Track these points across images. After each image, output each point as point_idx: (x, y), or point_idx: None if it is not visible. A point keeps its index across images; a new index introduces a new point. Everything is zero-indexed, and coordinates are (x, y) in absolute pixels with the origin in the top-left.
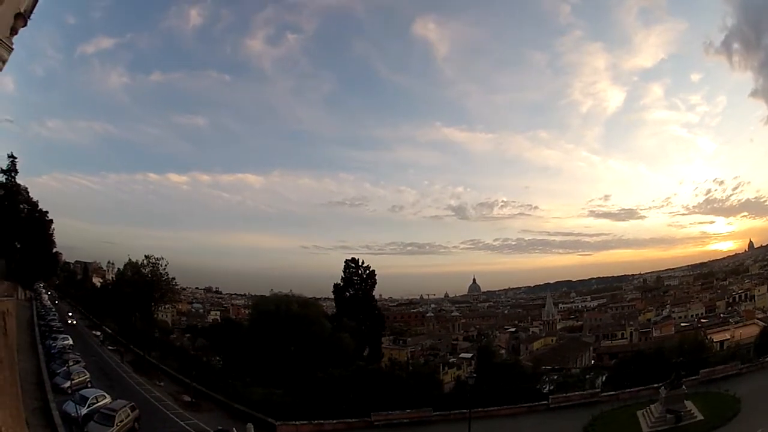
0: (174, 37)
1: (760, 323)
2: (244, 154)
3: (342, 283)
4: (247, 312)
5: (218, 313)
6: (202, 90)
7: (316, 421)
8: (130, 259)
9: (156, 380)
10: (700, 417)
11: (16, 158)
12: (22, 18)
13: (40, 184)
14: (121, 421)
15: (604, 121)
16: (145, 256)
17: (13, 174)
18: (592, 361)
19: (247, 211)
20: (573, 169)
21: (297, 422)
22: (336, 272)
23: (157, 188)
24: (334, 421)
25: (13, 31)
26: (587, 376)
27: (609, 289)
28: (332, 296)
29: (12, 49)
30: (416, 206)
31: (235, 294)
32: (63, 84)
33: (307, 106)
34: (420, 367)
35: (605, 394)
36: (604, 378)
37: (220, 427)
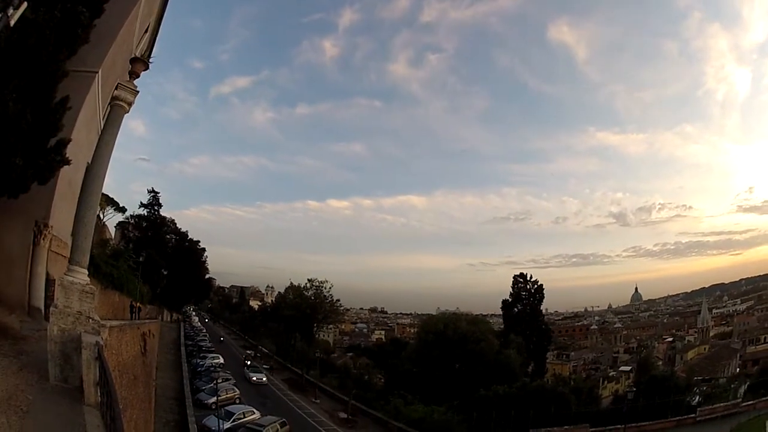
0: (313, 69)
1: None
2: (405, 176)
3: (510, 299)
4: (412, 331)
5: (383, 332)
6: (354, 117)
7: None
8: (291, 283)
9: (312, 397)
10: None
11: (157, 192)
12: (141, 62)
13: (189, 217)
14: None
15: (738, 106)
16: (308, 279)
17: (156, 207)
18: (737, 369)
19: (410, 232)
20: (720, 163)
21: None
22: (503, 288)
23: (318, 214)
24: None
25: (134, 74)
26: (732, 386)
27: (758, 288)
28: (500, 312)
29: (137, 92)
30: (579, 216)
31: (401, 313)
32: (203, 123)
33: (463, 123)
34: (580, 383)
35: (745, 404)
36: (746, 386)
37: None
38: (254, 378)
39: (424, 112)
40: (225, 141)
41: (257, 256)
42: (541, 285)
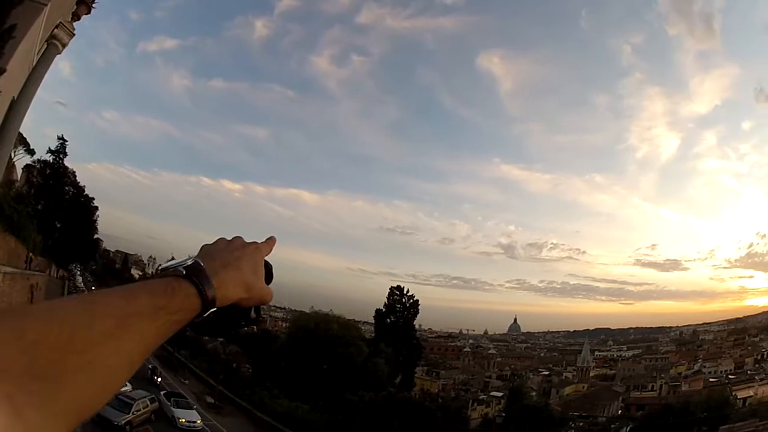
0: (240, 47)
1: None
2: (302, 170)
3: (384, 309)
4: (284, 325)
5: None
6: (265, 102)
7: None
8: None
9: (181, 378)
10: None
11: (66, 141)
12: (85, 5)
13: (89, 171)
14: (138, 411)
15: (658, 167)
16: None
17: (61, 156)
18: (620, 411)
19: (297, 227)
20: (624, 216)
21: None
22: (378, 297)
23: (210, 192)
24: None
25: (75, 16)
26: (612, 425)
27: (646, 339)
28: (372, 320)
29: (73, 34)
30: (467, 241)
31: (275, 306)
32: (124, 78)
33: (370, 129)
34: (450, 401)
35: None
36: (629, 428)
37: None
38: None
39: (334, 111)
40: (139, 100)
41: (146, 224)
42: (417, 300)
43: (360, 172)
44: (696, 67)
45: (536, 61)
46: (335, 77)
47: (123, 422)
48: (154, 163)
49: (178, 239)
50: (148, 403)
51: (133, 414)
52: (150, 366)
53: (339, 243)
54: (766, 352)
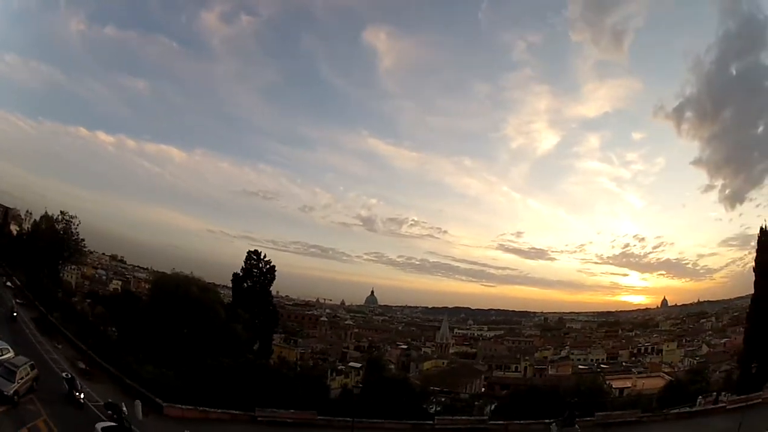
0: None
1: (666, 377)
2: (174, 126)
3: (241, 273)
4: (147, 287)
5: (120, 282)
6: (151, 55)
7: (201, 408)
8: (46, 212)
9: (56, 342)
10: None
11: None
12: None
13: None
14: (21, 378)
15: (533, 160)
16: (61, 212)
17: None
18: (483, 389)
19: (163, 185)
20: (491, 202)
21: (184, 406)
22: (238, 261)
23: (86, 144)
24: (219, 411)
25: None
26: (476, 403)
27: (508, 322)
28: (230, 285)
29: None
30: (327, 210)
31: (139, 266)
32: (27, 19)
33: (246, 91)
34: (308, 370)
35: (493, 422)
36: (493, 407)
37: (110, 400)
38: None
39: (213, 69)
40: (38, 43)
41: (27, 176)
42: (274, 266)
43: (230, 132)
44: (592, 74)
45: (423, 42)
46: (221, 34)
47: (11, 392)
48: (40, 112)
49: (53, 192)
50: (29, 370)
51: (18, 383)
52: (67, 375)
53: (203, 204)
54: (642, 347)
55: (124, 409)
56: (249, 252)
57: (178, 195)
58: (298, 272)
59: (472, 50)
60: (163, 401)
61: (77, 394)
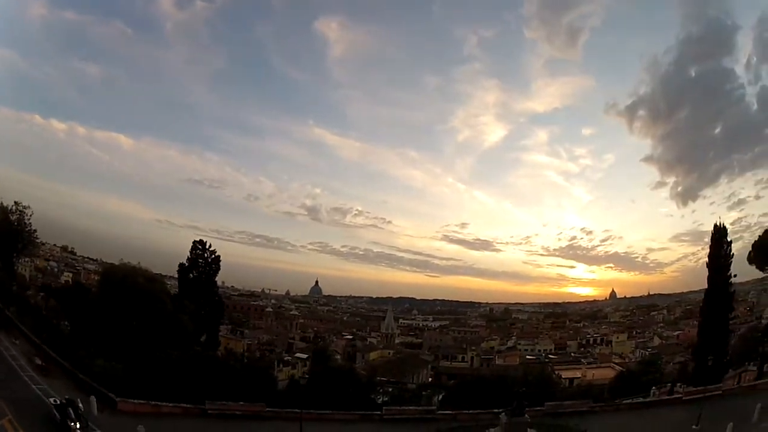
0: None
1: (617, 367)
2: (123, 113)
3: (187, 264)
4: (96, 278)
5: (70, 275)
6: (104, 39)
7: (153, 402)
8: (1, 203)
9: (13, 337)
10: None
11: None
12: None
13: None
14: None
15: (479, 153)
16: (15, 202)
17: None
18: (430, 379)
19: (113, 173)
20: (436, 193)
21: (136, 401)
22: (185, 252)
23: (41, 132)
24: (171, 405)
25: None
26: (424, 393)
27: (453, 312)
28: (176, 275)
29: None
30: (272, 199)
31: (89, 258)
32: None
33: (196, 78)
34: (256, 361)
35: (442, 412)
36: (441, 397)
37: (67, 397)
38: None
39: (165, 55)
40: (8, 28)
41: None
42: (219, 256)
43: (178, 120)
44: (544, 71)
45: (375, 33)
46: (175, 19)
47: None
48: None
49: (11, 183)
50: None
51: None
52: (56, 401)
53: (151, 193)
54: (591, 338)
55: (80, 405)
56: (194, 242)
57: (127, 183)
58: (243, 262)
59: (424, 43)
60: (116, 396)
61: (72, 424)
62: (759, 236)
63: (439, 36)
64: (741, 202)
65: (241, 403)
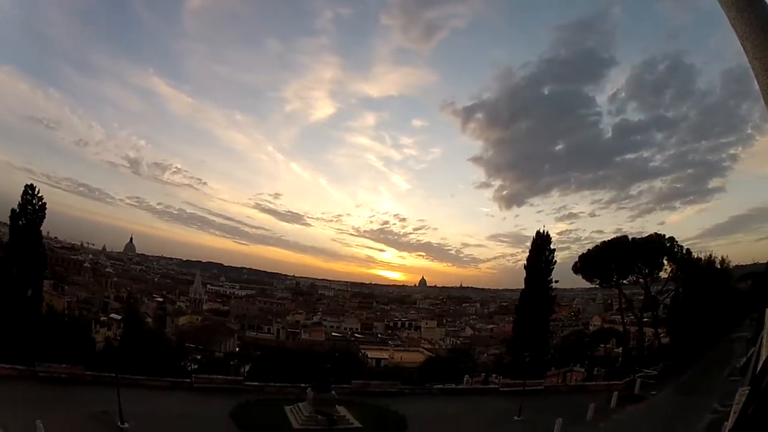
0: None
1: (426, 352)
2: None
3: (18, 210)
4: None
5: None
6: None
7: None
8: None
9: None
10: (358, 425)
11: None
12: None
13: None
14: None
15: (304, 126)
16: None
17: None
18: (237, 349)
19: None
20: (254, 160)
21: None
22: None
23: None
24: (8, 366)
25: None
26: (231, 363)
27: (260, 282)
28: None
29: None
30: (100, 146)
31: None
32: None
33: (55, 11)
34: (75, 320)
35: (249, 383)
36: (248, 367)
37: None
38: None
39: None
40: None
41: None
42: (45, 203)
43: (32, 49)
44: (389, 58)
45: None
46: None
47: None
48: None
49: None
50: None
51: None
52: None
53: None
54: (399, 322)
55: None
56: (26, 186)
57: None
58: (65, 212)
59: (279, 7)
60: None
61: None
62: (588, 250)
63: (296, 4)
64: (572, 216)
65: (65, 365)
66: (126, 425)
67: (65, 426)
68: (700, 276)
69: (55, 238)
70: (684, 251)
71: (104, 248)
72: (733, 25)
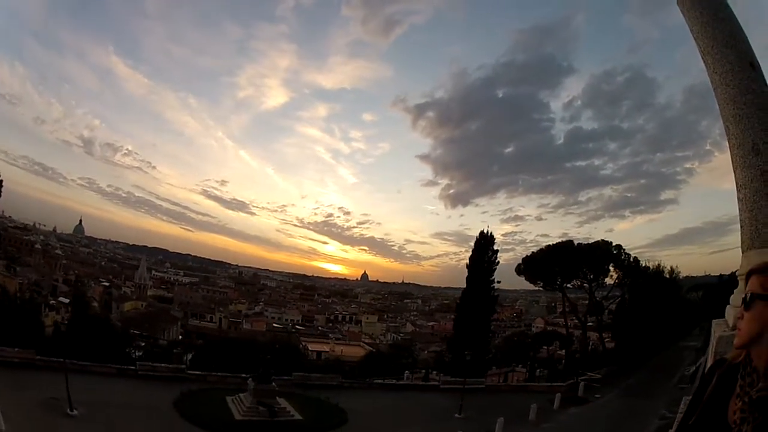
0: None
1: (366, 347)
2: None
3: None
4: None
5: None
6: None
7: None
8: None
9: None
10: (299, 417)
11: None
12: None
13: None
14: None
15: (255, 113)
16: None
17: None
18: (180, 337)
19: None
20: (203, 145)
21: None
22: None
23: None
24: None
25: None
26: (174, 351)
27: (204, 269)
28: None
29: None
30: (57, 125)
31: None
32: None
33: None
34: (26, 303)
35: (192, 372)
36: (191, 356)
37: None
38: None
39: None
40: None
41: None
42: (2, 181)
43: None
44: (346, 50)
45: None
46: None
47: None
48: None
49: None
50: None
51: None
52: None
53: None
54: (340, 315)
55: None
56: None
57: None
58: (20, 190)
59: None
60: None
61: None
62: (533, 252)
63: None
64: (518, 218)
65: (17, 349)
66: (75, 412)
67: (19, 412)
68: (648, 284)
69: (10, 217)
70: (632, 259)
71: (55, 229)
72: (696, 39)
